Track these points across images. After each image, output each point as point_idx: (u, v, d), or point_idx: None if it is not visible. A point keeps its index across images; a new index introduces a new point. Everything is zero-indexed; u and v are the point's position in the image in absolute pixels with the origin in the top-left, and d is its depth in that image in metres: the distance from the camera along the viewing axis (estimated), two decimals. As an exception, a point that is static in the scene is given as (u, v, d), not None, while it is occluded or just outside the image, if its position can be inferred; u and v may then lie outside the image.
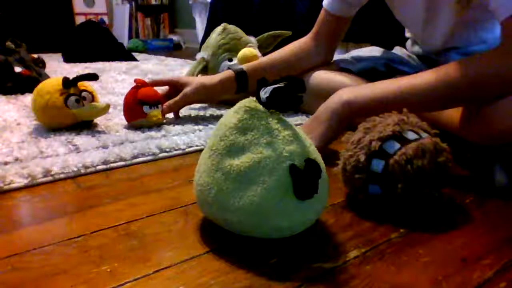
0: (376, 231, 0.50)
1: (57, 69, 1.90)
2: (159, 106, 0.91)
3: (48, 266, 0.43)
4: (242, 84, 0.96)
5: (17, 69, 1.33)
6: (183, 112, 1.05)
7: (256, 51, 1.16)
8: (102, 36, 2.29)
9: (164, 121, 0.95)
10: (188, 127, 0.93)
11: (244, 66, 0.97)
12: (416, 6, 0.87)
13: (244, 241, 0.46)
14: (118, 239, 0.48)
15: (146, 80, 0.95)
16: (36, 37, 2.71)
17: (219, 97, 1.01)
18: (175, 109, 0.96)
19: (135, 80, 0.93)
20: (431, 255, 0.45)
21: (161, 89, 0.99)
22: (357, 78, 0.95)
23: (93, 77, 0.89)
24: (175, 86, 0.96)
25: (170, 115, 1.01)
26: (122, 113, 0.94)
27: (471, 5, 0.77)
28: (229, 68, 0.98)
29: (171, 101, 0.94)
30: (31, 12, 2.98)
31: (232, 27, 1.22)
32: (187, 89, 0.93)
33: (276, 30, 1.32)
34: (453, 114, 0.70)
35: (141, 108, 0.89)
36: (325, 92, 0.83)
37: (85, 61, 2.16)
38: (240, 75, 0.95)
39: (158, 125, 0.92)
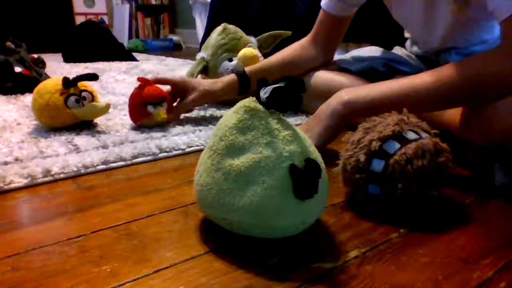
0: (376, 231, 0.50)
1: (57, 69, 1.90)
2: (164, 104, 0.90)
3: (48, 266, 0.43)
4: (244, 87, 0.96)
5: (17, 69, 1.33)
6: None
7: (256, 51, 1.16)
8: (102, 36, 2.29)
9: (169, 120, 0.95)
10: (188, 127, 0.93)
11: (246, 69, 0.97)
12: (414, 6, 0.87)
13: (244, 241, 0.46)
14: (118, 239, 0.48)
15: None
16: (36, 37, 2.70)
17: (221, 97, 1.01)
18: (183, 112, 0.97)
19: (139, 79, 0.91)
20: (431, 255, 0.45)
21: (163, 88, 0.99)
22: (357, 78, 0.95)
23: (93, 77, 0.89)
24: (177, 88, 0.96)
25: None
26: (122, 113, 0.94)
27: (469, 5, 0.77)
28: (232, 71, 0.99)
29: (179, 106, 0.95)
30: (31, 12, 2.98)
31: (232, 27, 1.22)
32: (192, 97, 0.93)
33: (276, 30, 1.32)
34: (453, 114, 0.70)
35: (145, 109, 0.88)
36: (325, 92, 0.83)
37: (85, 61, 2.16)
38: (243, 78, 0.96)
39: (162, 125, 0.92)
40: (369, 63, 0.99)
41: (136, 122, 0.92)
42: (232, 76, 0.96)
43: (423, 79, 0.66)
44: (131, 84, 1.38)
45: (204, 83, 0.97)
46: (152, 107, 0.88)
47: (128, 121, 0.94)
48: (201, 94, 0.94)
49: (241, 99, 0.47)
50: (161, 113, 0.89)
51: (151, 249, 0.46)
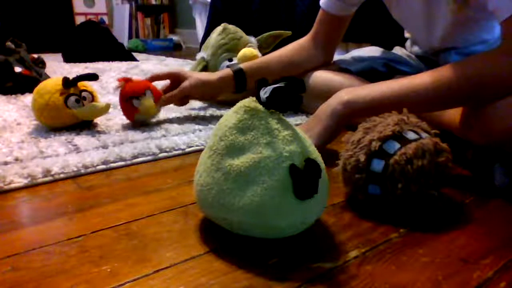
0: (376, 231, 0.50)
1: (57, 69, 1.90)
2: (147, 93, 0.89)
3: (48, 266, 0.43)
4: (240, 83, 0.96)
5: (17, 69, 1.33)
6: (183, 112, 1.05)
7: (256, 51, 1.16)
8: (102, 36, 2.29)
9: (159, 111, 0.94)
10: (188, 127, 0.93)
11: (243, 65, 0.97)
12: (414, 6, 0.87)
13: (244, 241, 0.46)
14: (118, 239, 0.48)
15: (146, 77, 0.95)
16: (36, 37, 2.71)
17: (217, 94, 1.00)
18: (172, 101, 0.95)
19: (118, 80, 0.92)
20: (431, 255, 0.45)
21: (161, 84, 0.99)
22: (357, 79, 0.94)
23: (93, 77, 0.89)
24: (176, 79, 0.96)
25: (171, 115, 1.01)
26: (122, 113, 0.94)
27: (469, 5, 0.77)
28: (227, 66, 0.98)
29: (168, 94, 0.94)
30: (31, 12, 2.98)
31: (232, 27, 1.22)
32: (185, 83, 0.93)
33: (276, 30, 1.32)
34: (453, 114, 0.70)
35: (131, 104, 0.88)
36: (325, 92, 0.83)
37: (85, 61, 2.16)
38: (238, 73, 0.95)
39: (154, 115, 0.93)
40: (369, 63, 0.99)
41: (130, 120, 0.92)
42: (228, 71, 0.96)
43: (423, 79, 0.66)
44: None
45: (199, 73, 0.97)
46: (136, 100, 0.88)
47: (128, 121, 0.94)
48: (196, 82, 0.93)
49: (241, 99, 0.47)
50: (146, 102, 0.88)
51: (151, 249, 0.46)
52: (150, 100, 0.89)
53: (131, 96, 0.88)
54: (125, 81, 0.91)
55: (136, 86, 0.90)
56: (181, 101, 0.98)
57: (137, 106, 0.88)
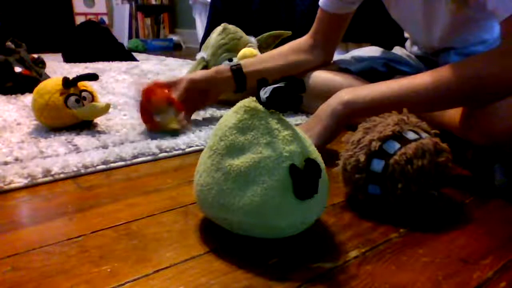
0: (376, 231, 0.50)
1: (57, 69, 1.90)
2: (170, 111, 0.82)
3: (48, 266, 0.43)
4: (240, 79, 0.94)
5: (17, 69, 1.33)
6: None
7: (256, 51, 1.16)
8: (102, 36, 2.28)
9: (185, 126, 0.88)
10: (188, 127, 0.92)
11: (242, 62, 0.96)
12: (412, 6, 0.86)
13: (244, 241, 0.46)
14: (118, 239, 0.48)
15: (146, 80, 0.94)
16: (36, 37, 2.70)
17: (218, 88, 0.95)
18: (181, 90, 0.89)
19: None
20: (431, 255, 0.45)
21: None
22: (356, 79, 0.94)
23: (93, 77, 0.89)
24: (175, 86, 0.96)
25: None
26: (122, 113, 0.94)
27: (468, 4, 0.77)
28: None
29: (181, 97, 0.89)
30: (31, 12, 2.98)
31: (232, 27, 1.22)
32: (190, 79, 0.90)
33: (276, 30, 1.32)
34: (453, 114, 0.70)
35: (151, 116, 0.83)
36: (325, 92, 0.83)
37: (85, 61, 2.16)
38: (237, 71, 0.93)
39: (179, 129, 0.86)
40: (369, 63, 0.99)
41: (152, 129, 0.87)
42: (225, 66, 0.95)
43: (423, 79, 0.66)
44: (131, 84, 1.38)
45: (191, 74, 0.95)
46: (158, 116, 0.82)
47: (128, 121, 0.94)
48: (199, 76, 0.91)
49: (241, 99, 0.47)
50: (169, 121, 0.82)
51: (151, 249, 0.46)
52: (172, 118, 0.83)
53: (154, 110, 0.83)
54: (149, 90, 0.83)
55: (159, 98, 0.82)
56: (197, 104, 0.95)
57: (159, 121, 0.83)
